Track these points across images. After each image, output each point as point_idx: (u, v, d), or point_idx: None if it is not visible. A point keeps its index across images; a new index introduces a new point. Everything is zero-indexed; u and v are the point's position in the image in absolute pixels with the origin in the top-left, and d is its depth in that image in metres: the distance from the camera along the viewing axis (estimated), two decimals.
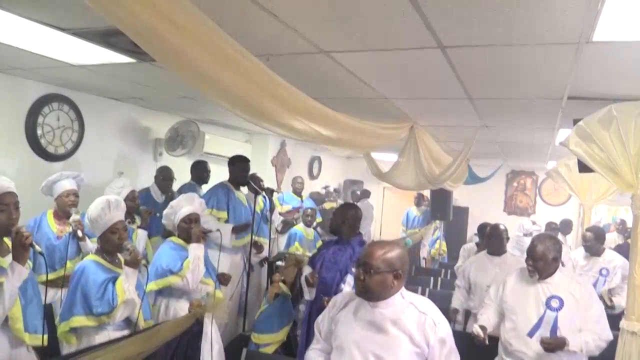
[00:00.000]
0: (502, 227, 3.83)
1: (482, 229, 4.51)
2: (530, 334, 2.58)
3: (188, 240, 3.07)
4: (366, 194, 8.49)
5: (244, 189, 4.36)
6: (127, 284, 2.41)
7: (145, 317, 2.62)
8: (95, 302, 2.37)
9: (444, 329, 1.90)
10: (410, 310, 1.92)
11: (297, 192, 6.40)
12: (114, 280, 2.44)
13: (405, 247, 5.96)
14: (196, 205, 3.21)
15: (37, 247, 2.09)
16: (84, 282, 2.42)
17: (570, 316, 2.56)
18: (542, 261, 2.64)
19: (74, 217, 3.22)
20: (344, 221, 3.22)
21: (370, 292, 1.92)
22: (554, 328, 2.54)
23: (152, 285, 2.90)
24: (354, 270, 2.05)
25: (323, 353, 2.10)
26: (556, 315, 2.56)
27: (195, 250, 3.00)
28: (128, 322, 2.51)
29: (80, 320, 2.37)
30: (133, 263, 2.45)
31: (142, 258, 2.44)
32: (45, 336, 2.23)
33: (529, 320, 2.61)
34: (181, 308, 2.91)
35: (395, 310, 1.93)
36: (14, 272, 2.03)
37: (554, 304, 2.59)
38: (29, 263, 2.25)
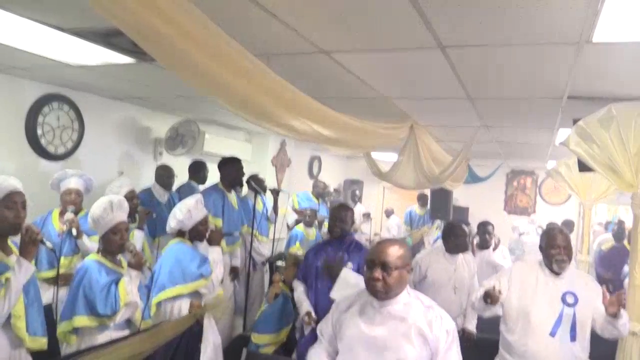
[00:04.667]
0: (465, 228, 3.79)
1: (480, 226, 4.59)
2: (553, 333, 2.48)
3: (196, 240, 3.16)
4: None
5: (238, 190, 4.36)
6: (130, 286, 2.42)
7: (144, 317, 2.61)
8: (100, 304, 2.38)
9: (449, 323, 1.96)
10: (417, 305, 1.98)
11: (317, 196, 6.29)
12: (117, 281, 2.45)
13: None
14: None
15: (47, 243, 2.10)
16: (87, 282, 2.42)
17: (585, 310, 2.49)
18: (569, 249, 2.57)
19: (68, 215, 3.24)
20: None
21: (391, 290, 1.94)
22: (574, 324, 2.47)
23: (182, 289, 2.94)
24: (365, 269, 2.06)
25: (325, 352, 2.12)
26: (574, 311, 2.48)
27: (215, 253, 3.11)
28: (128, 322, 2.51)
29: (82, 320, 2.39)
30: (137, 265, 2.46)
31: (145, 260, 2.45)
32: (45, 339, 2.24)
33: (548, 319, 2.51)
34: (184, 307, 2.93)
35: (403, 307, 1.96)
36: (20, 268, 2.04)
37: (569, 299, 2.51)
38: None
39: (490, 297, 2.51)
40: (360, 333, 1.96)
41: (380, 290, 1.93)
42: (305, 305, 3.05)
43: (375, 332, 1.94)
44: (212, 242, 3.19)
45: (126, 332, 2.45)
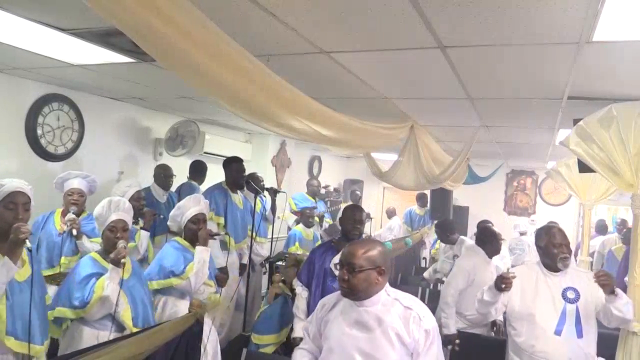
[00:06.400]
0: (494, 228, 3.83)
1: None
2: (558, 332, 2.48)
3: (194, 241, 3.06)
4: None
5: (241, 190, 4.35)
6: (108, 282, 2.43)
7: (146, 322, 2.59)
8: (75, 294, 2.43)
9: (429, 322, 1.92)
10: (396, 307, 1.96)
11: (312, 194, 6.30)
12: (99, 276, 2.48)
13: (406, 247, 5.97)
14: (202, 206, 3.21)
15: (27, 243, 2.05)
16: (72, 274, 2.50)
17: (589, 305, 2.50)
18: (569, 245, 2.59)
19: (69, 215, 3.26)
20: None
21: (356, 291, 1.94)
22: (578, 320, 2.48)
23: (154, 285, 2.91)
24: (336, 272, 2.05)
25: (309, 354, 2.14)
26: (576, 307, 2.49)
27: (202, 253, 2.98)
28: (120, 325, 2.51)
29: (62, 311, 2.43)
30: (114, 261, 2.47)
31: (123, 256, 2.46)
32: (40, 347, 2.21)
33: (551, 318, 2.51)
34: (180, 307, 2.90)
35: (381, 308, 1.96)
36: (2, 268, 2.00)
37: (570, 295, 2.52)
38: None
39: (504, 281, 2.48)
40: (342, 334, 1.96)
41: (345, 290, 1.95)
42: (301, 324, 2.86)
43: (356, 333, 1.94)
44: (199, 241, 3.06)
45: (114, 335, 2.43)
